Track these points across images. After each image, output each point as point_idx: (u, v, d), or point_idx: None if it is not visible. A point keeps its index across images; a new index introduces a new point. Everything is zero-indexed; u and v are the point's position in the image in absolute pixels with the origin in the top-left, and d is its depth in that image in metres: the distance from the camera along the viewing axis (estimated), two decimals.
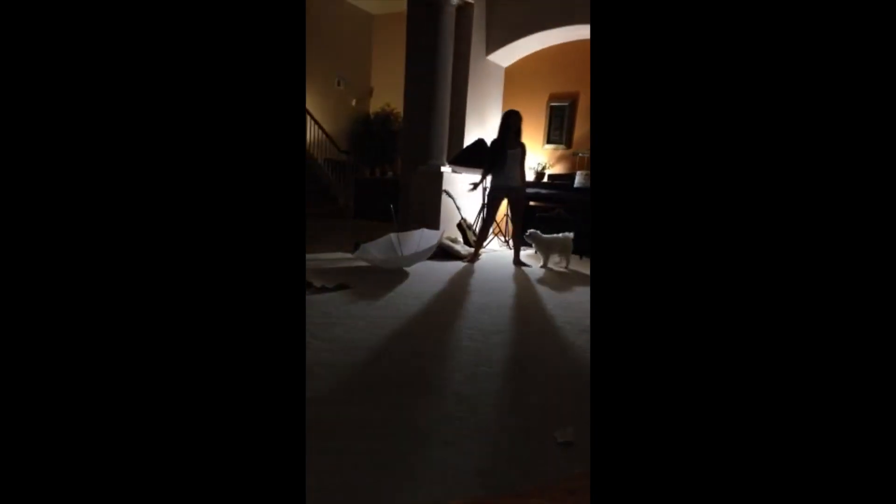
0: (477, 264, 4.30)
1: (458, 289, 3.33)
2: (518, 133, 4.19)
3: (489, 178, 4.33)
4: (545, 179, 5.62)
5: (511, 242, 4.73)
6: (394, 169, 7.87)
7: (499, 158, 4.18)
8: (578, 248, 4.93)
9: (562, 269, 4.31)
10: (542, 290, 3.45)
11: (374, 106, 8.54)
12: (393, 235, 4.02)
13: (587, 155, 5.44)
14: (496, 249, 5.13)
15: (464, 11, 5.18)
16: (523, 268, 4.27)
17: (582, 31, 5.21)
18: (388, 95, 8.19)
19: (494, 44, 5.41)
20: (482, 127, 5.62)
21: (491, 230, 4.57)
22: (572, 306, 3.01)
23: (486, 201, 4.50)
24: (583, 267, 4.51)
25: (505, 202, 4.44)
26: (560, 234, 4.36)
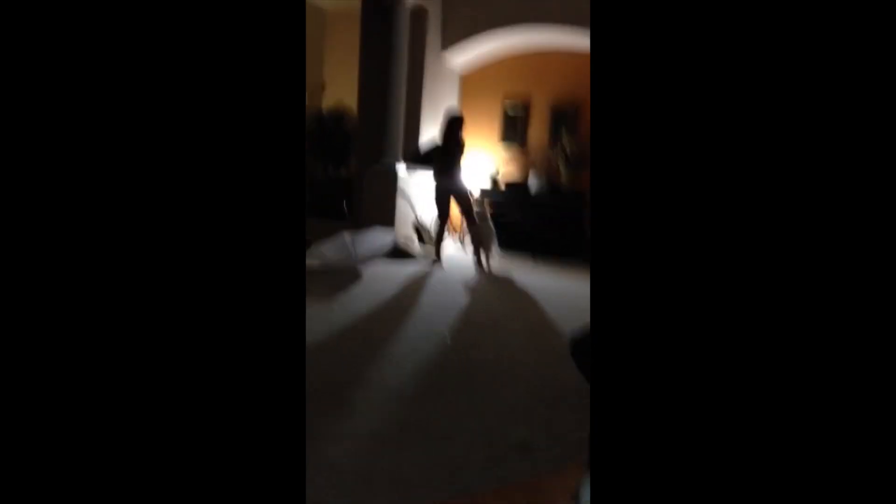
0: (427, 266, 4.28)
1: (411, 291, 3.29)
2: (460, 137, 4.31)
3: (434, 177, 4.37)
4: (502, 188, 5.64)
5: (465, 243, 4.73)
6: (348, 169, 7.71)
7: (448, 164, 4.25)
8: (534, 251, 5.02)
9: (518, 275, 4.35)
10: (496, 293, 3.47)
11: (327, 102, 8.36)
12: (346, 234, 3.93)
13: (540, 158, 5.54)
14: (453, 254, 5.13)
15: (418, 15, 5.15)
16: (480, 268, 4.28)
17: (534, 39, 5.31)
18: (341, 91, 8.04)
19: (449, 45, 5.42)
20: (437, 127, 5.61)
21: (446, 229, 4.56)
22: (524, 309, 3.05)
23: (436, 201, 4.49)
24: (520, 269, 4.57)
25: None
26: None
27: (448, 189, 4.30)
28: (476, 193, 5.12)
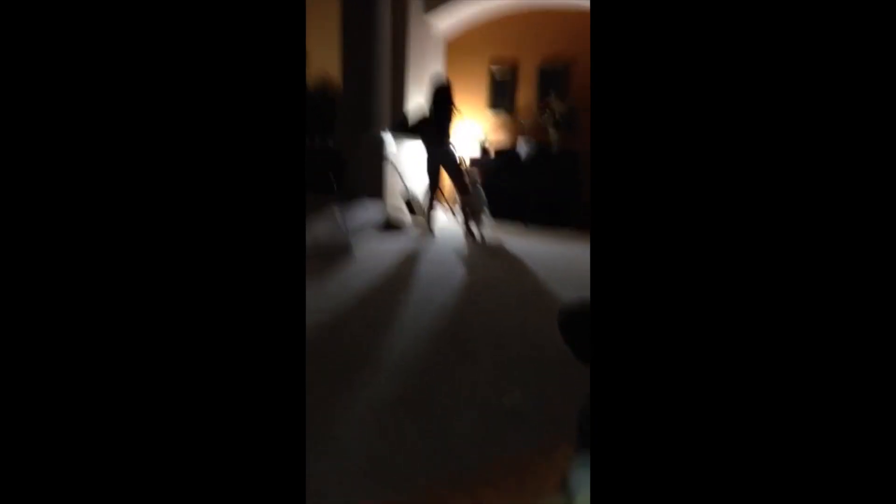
0: (420, 238, 4.25)
1: (408, 264, 3.28)
2: (449, 105, 4.23)
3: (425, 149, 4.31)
4: (492, 156, 5.56)
5: (456, 213, 4.70)
6: (334, 140, 7.55)
7: (437, 133, 4.19)
8: (525, 218, 4.98)
9: (510, 242, 4.33)
10: (487, 264, 3.46)
11: (310, 72, 8.11)
12: (336, 209, 3.88)
13: (528, 122, 5.44)
14: (444, 224, 5.10)
15: None
16: (472, 238, 4.27)
17: None
18: (324, 61, 7.79)
19: (432, 4, 5.21)
20: (423, 93, 5.47)
21: (437, 199, 4.52)
22: (517, 277, 3.04)
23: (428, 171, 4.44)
24: (511, 235, 4.55)
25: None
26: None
27: (438, 159, 4.23)
28: (466, 162, 5.04)
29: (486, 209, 4.38)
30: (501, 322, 2.27)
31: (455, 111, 4.23)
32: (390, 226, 4.32)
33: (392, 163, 4.89)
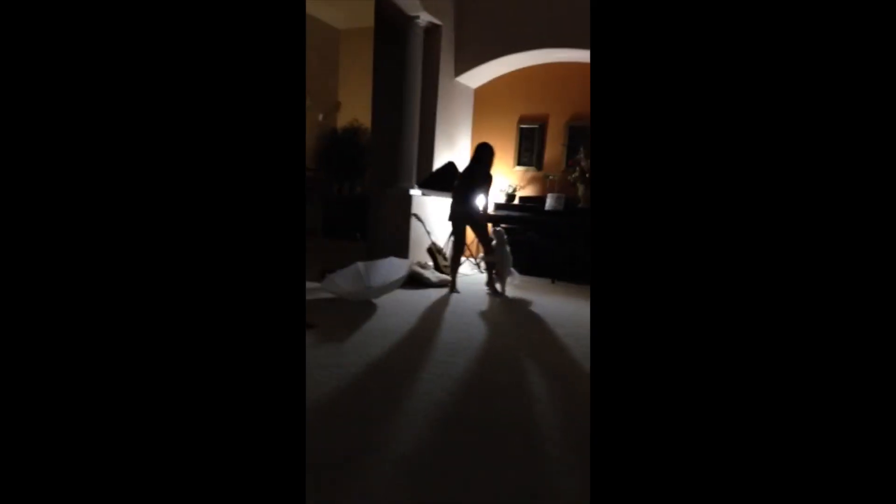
0: (445, 293, 4.19)
1: (425, 325, 3.20)
2: (490, 166, 4.17)
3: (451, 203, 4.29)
4: (516, 202, 5.57)
5: (482, 265, 4.64)
6: (362, 184, 7.69)
7: (469, 191, 4.15)
8: (550, 273, 4.89)
9: (534, 299, 4.24)
10: (512, 324, 3.36)
11: (342, 121, 8.36)
12: (360, 264, 3.86)
13: (557, 178, 5.42)
14: (468, 273, 5.04)
15: (432, 33, 5.10)
16: (494, 295, 4.19)
17: (551, 55, 5.20)
18: (356, 110, 8.04)
19: (463, 65, 5.34)
20: (452, 149, 5.54)
21: (462, 256, 4.47)
22: (540, 341, 2.93)
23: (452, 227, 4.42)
24: (554, 292, 4.45)
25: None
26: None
27: (465, 216, 4.21)
28: (490, 208, 5.01)
29: (511, 267, 4.31)
30: (521, 387, 2.16)
31: (490, 176, 4.20)
32: (415, 280, 4.28)
33: (418, 215, 4.91)
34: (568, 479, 1.58)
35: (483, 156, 4.15)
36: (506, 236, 4.29)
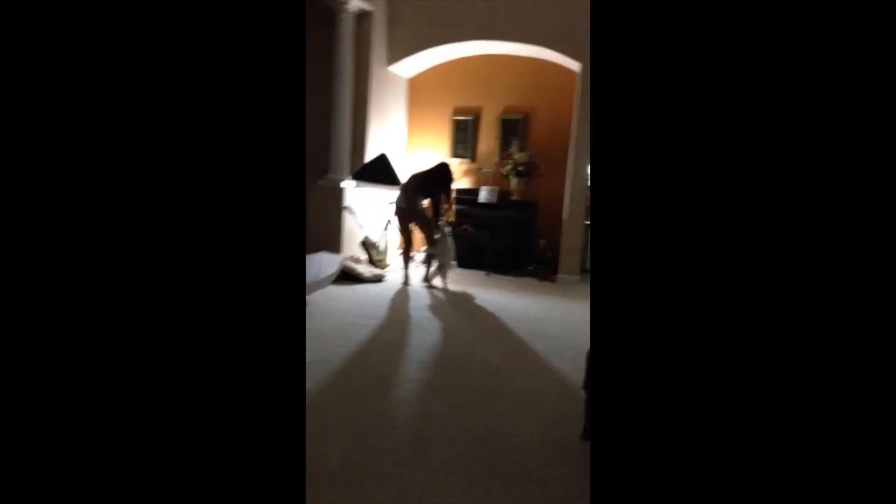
0: (382, 287, 4.12)
1: (359, 322, 3.12)
2: (447, 183, 4.30)
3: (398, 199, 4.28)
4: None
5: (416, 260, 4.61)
6: None
7: (421, 195, 4.22)
8: (484, 266, 4.95)
9: (473, 292, 4.26)
10: (456, 321, 3.36)
11: None
12: None
13: (490, 170, 5.47)
14: (403, 269, 4.99)
15: (363, 19, 4.93)
16: (432, 289, 4.17)
17: (484, 47, 5.21)
18: None
19: (397, 54, 5.22)
20: (386, 139, 5.42)
21: (410, 249, 4.45)
22: (488, 335, 2.95)
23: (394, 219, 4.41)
24: (489, 284, 4.51)
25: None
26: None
27: (411, 216, 4.21)
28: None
29: (453, 258, 4.31)
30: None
31: (449, 193, 4.33)
32: (348, 276, 4.17)
33: (350, 209, 4.77)
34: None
35: (445, 177, 4.26)
36: (448, 229, 4.28)
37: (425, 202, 4.30)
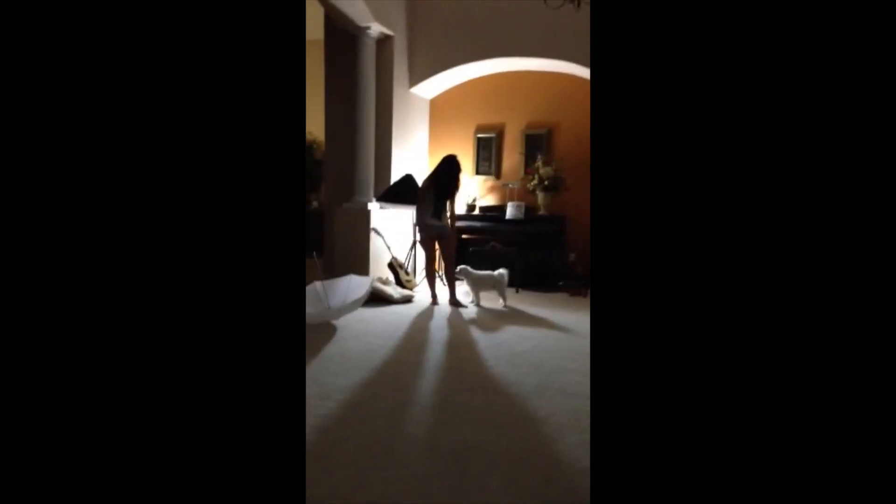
0: (412, 308, 4.07)
1: (390, 345, 3.06)
2: (456, 177, 4.11)
3: (417, 217, 4.20)
4: (476, 211, 5.53)
5: (444, 279, 4.55)
6: (318, 198, 7.47)
7: (438, 208, 4.08)
8: (514, 282, 4.85)
9: (499, 308, 4.18)
10: (480, 338, 3.27)
11: None
12: (318, 284, 3.69)
13: (516, 186, 5.42)
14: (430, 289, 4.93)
15: (384, 44, 5.01)
16: (460, 308, 4.10)
17: (503, 64, 5.21)
18: (309, 125, 7.83)
19: (417, 76, 5.27)
20: (409, 161, 5.44)
21: (426, 268, 4.38)
22: (521, 356, 2.84)
23: (417, 240, 4.34)
24: (519, 302, 4.41)
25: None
26: (494, 271, 4.23)
27: (436, 233, 4.13)
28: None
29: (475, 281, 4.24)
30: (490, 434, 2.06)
31: (458, 187, 4.13)
32: (377, 298, 4.13)
33: (377, 231, 4.77)
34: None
35: (450, 169, 4.09)
36: (465, 269, 4.20)
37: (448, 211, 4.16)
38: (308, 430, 1.91)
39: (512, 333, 3.43)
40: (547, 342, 3.24)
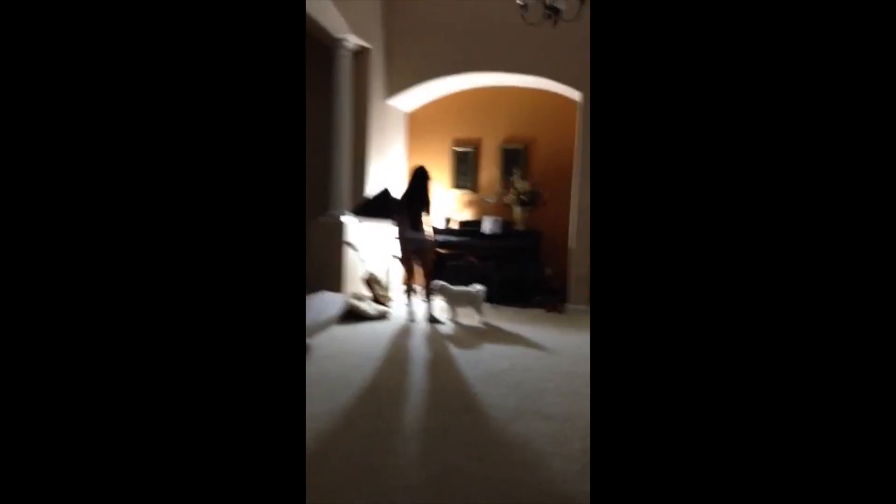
0: (388, 325, 3.99)
1: (365, 365, 2.97)
2: (426, 188, 4.07)
3: (397, 231, 4.14)
4: (453, 225, 5.49)
5: (422, 295, 4.48)
6: None
7: (413, 218, 4.04)
8: (491, 297, 4.82)
9: (476, 324, 4.13)
10: (459, 356, 3.21)
11: None
12: None
13: (493, 200, 5.41)
14: (406, 304, 4.86)
15: (361, 56, 4.95)
16: (436, 325, 4.04)
17: (480, 79, 5.22)
18: None
19: (394, 89, 5.23)
20: (386, 173, 5.38)
21: (404, 283, 4.31)
22: (498, 377, 2.79)
23: (399, 255, 4.28)
24: (496, 317, 4.38)
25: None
26: (470, 287, 4.19)
27: (415, 248, 4.08)
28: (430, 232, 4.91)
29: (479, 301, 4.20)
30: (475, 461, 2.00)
31: (430, 198, 4.10)
32: (352, 315, 4.04)
33: (351, 244, 4.68)
34: None
35: (422, 180, 4.07)
36: (443, 285, 4.16)
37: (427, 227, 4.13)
38: None
39: (489, 352, 3.39)
40: (524, 360, 3.20)
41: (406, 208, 4.05)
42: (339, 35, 4.60)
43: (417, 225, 4.04)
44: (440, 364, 3.10)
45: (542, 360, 3.22)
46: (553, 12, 3.00)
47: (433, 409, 2.39)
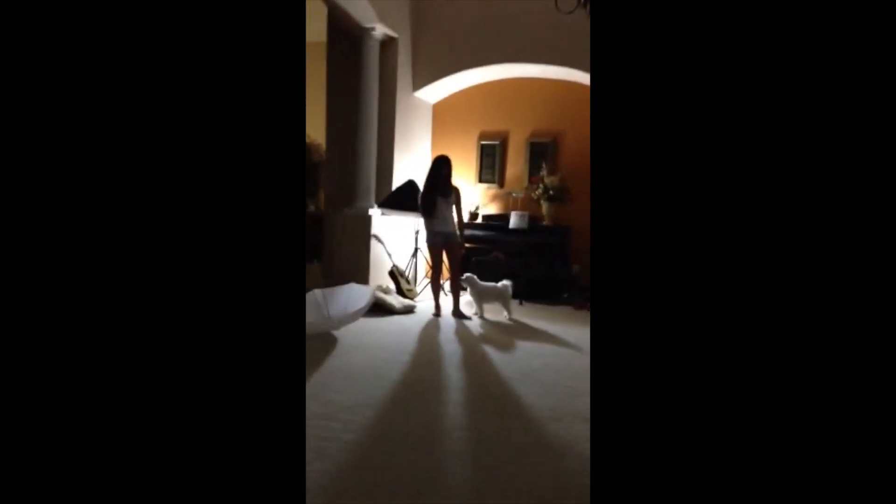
0: (415, 319, 3.92)
1: (395, 359, 2.90)
2: (448, 178, 3.97)
3: (423, 224, 4.06)
4: (479, 220, 5.40)
5: (447, 289, 4.40)
6: (316, 203, 7.29)
7: (429, 205, 3.94)
8: (518, 294, 4.72)
9: (504, 321, 4.04)
10: (492, 354, 3.12)
11: None
12: (318, 292, 3.51)
13: (520, 195, 5.30)
14: (433, 299, 4.79)
15: (388, 46, 4.88)
16: (464, 321, 3.95)
17: (509, 70, 5.11)
18: (308, 127, 7.66)
19: (421, 80, 5.15)
20: (411, 166, 5.30)
21: (430, 277, 4.24)
22: (531, 376, 2.69)
23: (422, 246, 4.20)
24: (524, 315, 4.27)
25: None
26: (498, 283, 4.10)
27: (441, 233, 3.98)
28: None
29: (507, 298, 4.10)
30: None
31: (454, 189, 4.00)
32: (378, 307, 3.98)
33: (378, 238, 4.62)
34: None
35: (440, 169, 3.95)
36: (471, 278, 4.08)
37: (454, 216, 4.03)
38: (308, 455, 1.75)
39: (521, 350, 3.29)
40: (557, 359, 3.10)
41: (428, 199, 3.96)
42: (367, 24, 4.53)
43: (442, 216, 3.94)
44: (472, 360, 3.02)
45: (576, 360, 3.11)
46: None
47: (468, 407, 2.31)
